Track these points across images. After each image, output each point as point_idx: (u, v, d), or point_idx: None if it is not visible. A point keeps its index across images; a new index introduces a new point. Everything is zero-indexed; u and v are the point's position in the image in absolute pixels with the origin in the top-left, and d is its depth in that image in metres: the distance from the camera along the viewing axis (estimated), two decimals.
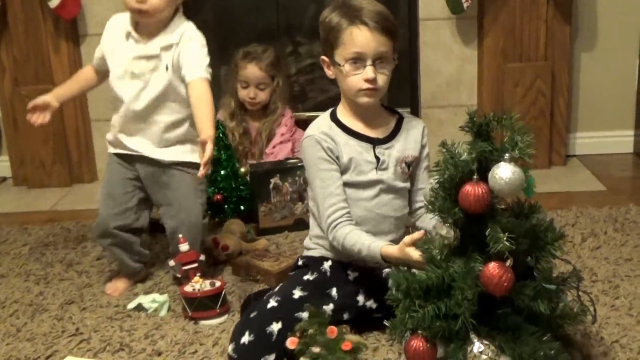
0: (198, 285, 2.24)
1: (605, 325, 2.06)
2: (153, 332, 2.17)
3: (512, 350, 1.68)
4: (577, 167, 3.53)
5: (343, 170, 2.06)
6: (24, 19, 3.41)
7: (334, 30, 2.01)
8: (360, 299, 2.07)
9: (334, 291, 2.06)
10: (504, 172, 1.63)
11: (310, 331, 1.88)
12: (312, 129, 2.09)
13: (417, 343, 1.72)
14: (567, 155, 3.60)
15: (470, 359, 1.67)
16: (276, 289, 2.08)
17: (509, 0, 3.35)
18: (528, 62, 3.41)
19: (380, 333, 2.05)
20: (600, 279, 2.35)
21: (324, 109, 3.33)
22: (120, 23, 2.37)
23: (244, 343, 1.91)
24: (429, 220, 1.88)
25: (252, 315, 1.98)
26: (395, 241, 1.94)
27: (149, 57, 2.32)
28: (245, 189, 2.89)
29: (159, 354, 2.06)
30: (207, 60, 2.30)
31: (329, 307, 2.02)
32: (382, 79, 2.01)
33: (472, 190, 1.65)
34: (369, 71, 1.99)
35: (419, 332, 1.71)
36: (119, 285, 2.45)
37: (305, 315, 1.94)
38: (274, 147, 3.10)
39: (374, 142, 2.08)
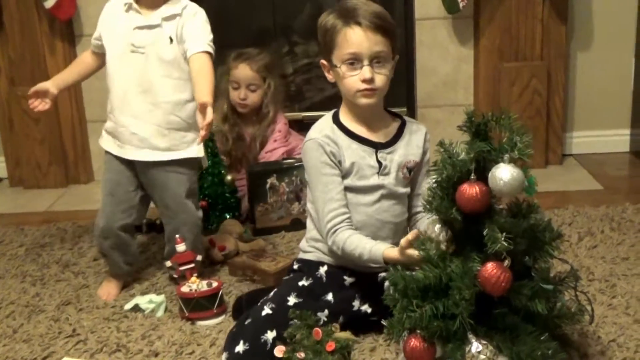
0: (195, 285, 2.24)
1: (603, 324, 2.06)
2: (150, 332, 2.16)
3: (510, 350, 1.68)
4: (573, 166, 3.53)
5: (345, 175, 2.04)
6: (20, 19, 3.40)
7: (330, 33, 2.00)
8: (356, 303, 2.07)
9: (329, 296, 2.04)
10: (504, 173, 1.63)
11: (298, 336, 1.88)
12: (314, 131, 2.07)
13: (415, 343, 1.71)
14: (564, 154, 3.61)
15: (469, 358, 1.67)
16: (271, 294, 2.07)
17: None
18: (524, 62, 3.41)
19: (377, 333, 2.04)
20: (597, 278, 2.35)
21: (320, 109, 3.37)
22: (119, 0, 2.33)
23: (238, 352, 1.90)
24: (426, 224, 1.87)
25: (246, 322, 1.97)
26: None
27: (150, 27, 2.27)
28: (231, 197, 2.88)
29: (156, 355, 2.05)
30: (210, 35, 2.27)
31: (324, 314, 2.01)
32: (380, 79, 1.99)
33: (469, 189, 1.65)
34: (365, 71, 1.97)
35: (417, 331, 1.71)
36: (111, 290, 2.43)
37: (295, 322, 1.93)
38: (266, 152, 3.07)
39: (377, 147, 2.06)
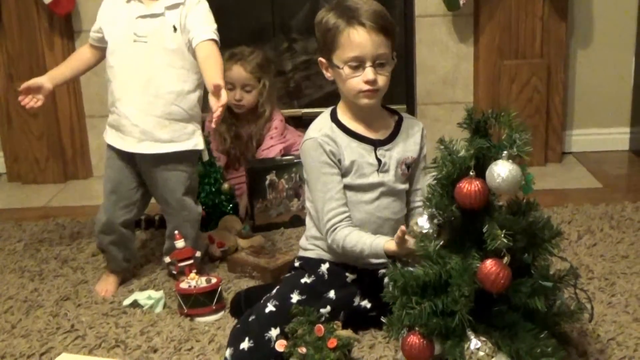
0: (194, 282, 2.24)
1: (602, 322, 2.06)
2: (149, 328, 2.16)
3: (509, 347, 1.68)
4: (572, 165, 3.53)
5: (344, 173, 2.04)
6: (18, 14, 3.39)
7: (331, 32, 1.98)
8: (356, 299, 2.07)
9: (331, 293, 2.04)
10: (502, 170, 1.63)
11: (299, 331, 1.88)
12: (313, 130, 2.06)
13: (414, 340, 1.71)
14: (563, 152, 3.61)
15: (468, 356, 1.67)
16: (274, 292, 2.06)
17: None
18: (524, 60, 3.41)
19: (376, 330, 2.04)
20: (596, 276, 2.35)
21: (319, 106, 3.37)
22: None
23: (243, 349, 1.90)
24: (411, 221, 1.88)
25: (250, 319, 1.97)
26: None
27: (153, 16, 2.26)
28: (228, 205, 2.88)
29: (155, 351, 2.05)
30: (215, 24, 2.27)
31: (326, 310, 2.01)
32: (382, 80, 1.99)
33: (467, 186, 1.65)
34: (369, 73, 1.96)
35: (416, 329, 1.71)
36: (109, 286, 2.43)
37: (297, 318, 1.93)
38: (263, 150, 3.06)
39: (375, 144, 2.06)
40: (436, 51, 3.46)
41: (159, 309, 2.28)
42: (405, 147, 2.09)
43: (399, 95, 3.46)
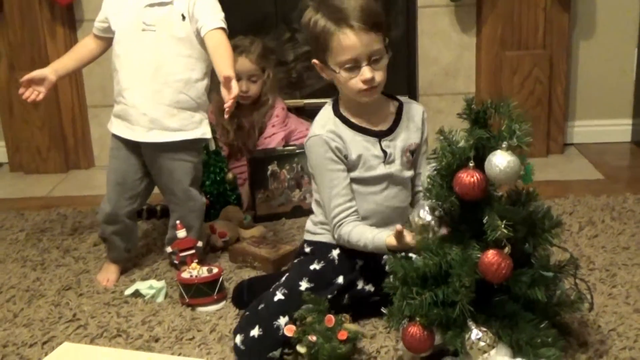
0: (195, 271, 2.24)
1: (603, 313, 2.07)
2: (150, 318, 2.17)
3: (510, 337, 1.69)
4: (574, 156, 3.53)
5: (352, 167, 2.04)
6: (20, 4, 3.39)
7: (321, 37, 1.97)
8: (360, 282, 2.07)
9: (340, 279, 2.05)
10: (500, 160, 1.63)
11: (309, 319, 1.89)
12: (317, 127, 2.06)
13: (415, 330, 1.72)
14: (565, 143, 3.60)
15: (468, 346, 1.67)
16: (283, 279, 2.07)
17: None
18: (526, 50, 3.40)
19: (377, 320, 2.05)
20: (597, 267, 2.35)
21: (321, 96, 3.37)
22: None
23: (253, 336, 1.91)
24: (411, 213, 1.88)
25: (259, 307, 1.98)
26: None
27: (161, 4, 2.25)
28: (232, 195, 2.88)
29: (156, 340, 2.06)
30: (222, 13, 2.27)
31: (332, 295, 2.01)
32: (379, 75, 1.98)
33: (466, 176, 1.66)
34: (365, 72, 1.95)
35: (417, 319, 1.72)
36: (110, 276, 2.43)
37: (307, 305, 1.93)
38: (265, 138, 3.07)
39: (379, 136, 2.06)
40: (438, 42, 3.45)
41: (160, 298, 2.29)
42: (408, 134, 2.09)
43: (400, 86, 3.46)
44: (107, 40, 2.37)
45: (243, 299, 2.20)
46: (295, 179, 2.92)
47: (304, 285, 2.01)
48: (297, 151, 2.90)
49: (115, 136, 2.37)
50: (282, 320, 1.92)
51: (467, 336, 1.68)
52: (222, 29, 2.24)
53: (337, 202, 2.02)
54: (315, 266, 2.06)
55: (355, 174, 2.05)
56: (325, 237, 2.11)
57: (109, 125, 2.39)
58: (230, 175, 2.87)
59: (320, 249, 2.10)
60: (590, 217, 2.74)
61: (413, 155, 2.10)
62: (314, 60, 2.05)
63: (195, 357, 1.98)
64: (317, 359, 1.83)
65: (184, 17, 2.25)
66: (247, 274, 2.42)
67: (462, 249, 1.70)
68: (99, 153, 3.57)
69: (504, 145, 1.64)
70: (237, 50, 2.96)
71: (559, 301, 1.80)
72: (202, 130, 2.34)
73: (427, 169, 2.00)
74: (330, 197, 2.03)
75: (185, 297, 2.22)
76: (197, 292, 2.21)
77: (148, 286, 2.30)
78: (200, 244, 2.38)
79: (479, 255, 1.67)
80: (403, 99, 2.16)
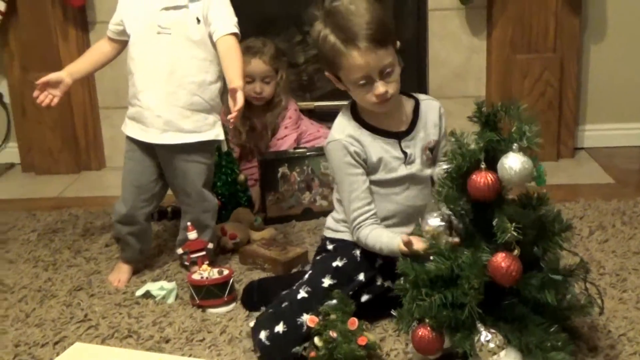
0: (206, 273, 2.25)
1: (613, 318, 2.06)
2: (161, 319, 2.18)
3: (519, 340, 1.69)
4: (585, 160, 3.52)
5: (372, 171, 2.05)
6: (33, 5, 3.41)
7: (332, 53, 1.97)
8: (379, 280, 2.08)
9: (361, 276, 2.06)
10: (513, 162, 1.63)
11: (332, 316, 1.89)
12: (337, 131, 2.06)
13: (424, 332, 1.72)
14: (575, 147, 3.59)
15: (477, 348, 1.68)
16: (306, 276, 2.08)
17: None
18: (537, 54, 3.39)
19: (387, 322, 2.05)
20: (607, 272, 2.35)
21: (332, 99, 3.38)
22: None
23: (277, 332, 1.93)
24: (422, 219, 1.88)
25: (283, 305, 1.99)
26: None
27: (176, 8, 2.27)
28: (244, 196, 2.89)
29: (167, 341, 2.07)
30: (235, 18, 2.29)
31: (352, 290, 2.02)
32: (392, 87, 1.98)
33: (479, 178, 1.66)
34: (378, 87, 1.96)
35: (426, 321, 1.72)
36: (122, 276, 2.44)
37: (334, 302, 1.94)
38: (277, 139, 3.08)
39: (399, 137, 2.07)
40: (449, 44, 3.46)
41: (171, 299, 2.30)
42: (427, 132, 2.10)
43: (411, 88, 3.41)
44: (121, 43, 2.39)
45: (253, 300, 2.21)
46: (306, 182, 2.92)
47: (326, 282, 2.02)
48: (308, 153, 2.91)
49: (129, 138, 2.39)
50: (306, 317, 1.93)
51: (476, 338, 1.69)
52: (235, 34, 2.26)
53: (356, 206, 2.03)
54: (337, 263, 2.07)
55: (376, 176, 2.06)
56: (347, 235, 2.12)
57: (123, 127, 2.41)
58: (241, 177, 2.88)
59: (343, 247, 2.11)
60: (601, 221, 2.73)
61: (432, 153, 2.11)
62: (327, 74, 2.06)
63: (206, 358, 1.99)
64: (332, 355, 1.84)
65: (198, 20, 2.27)
66: (257, 275, 2.43)
67: (472, 252, 1.70)
68: (110, 154, 3.59)
69: (514, 147, 1.64)
70: (250, 51, 2.98)
71: (569, 305, 1.80)
72: (215, 131, 2.36)
73: (437, 171, 2.02)
74: (349, 200, 2.04)
75: (196, 298, 2.23)
76: (208, 294, 2.21)
77: (159, 287, 2.32)
78: (211, 245, 2.39)
79: (488, 258, 1.67)
80: (419, 96, 2.16)
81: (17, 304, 2.32)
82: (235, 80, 2.16)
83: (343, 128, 2.06)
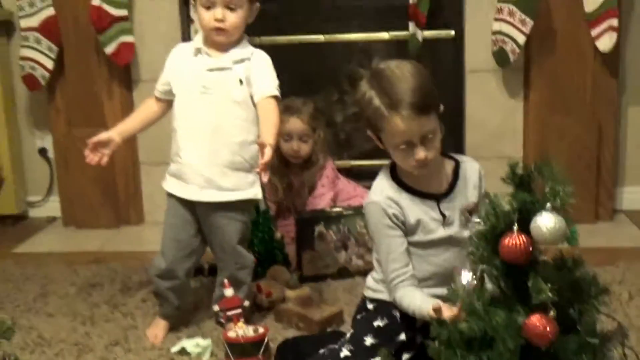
0: (241, 331, 2.25)
1: None
2: None
3: None
4: (624, 223, 3.48)
5: (410, 232, 2.05)
6: (79, 62, 3.50)
7: (375, 115, 1.99)
8: (419, 338, 2.07)
9: (402, 336, 2.06)
10: (547, 221, 1.62)
11: None
12: (375, 194, 2.08)
13: None
14: (614, 209, 3.56)
15: None
16: (348, 335, 2.09)
17: (555, 52, 3.35)
18: (574, 115, 3.39)
19: None
20: None
21: (369, 158, 3.40)
22: (186, 46, 2.44)
23: None
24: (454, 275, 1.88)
25: None
26: None
27: (221, 69, 2.33)
28: (280, 254, 2.91)
29: None
30: (277, 80, 2.35)
31: (394, 349, 2.02)
32: (432, 153, 2.00)
33: (511, 240, 1.66)
34: (419, 153, 1.98)
35: None
36: (159, 332, 2.45)
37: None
38: (314, 198, 3.10)
39: (438, 198, 2.07)
40: (486, 105, 3.47)
41: (206, 356, 2.30)
42: (466, 194, 2.10)
43: (448, 148, 3.44)
44: (168, 103, 2.45)
45: (287, 359, 2.20)
46: (342, 241, 2.93)
47: (368, 341, 2.03)
48: (345, 213, 2.92)
49: (170, 194, 2.43)
50: None
51: None
52: (275, 97, 2.32)
53: (394, 267, 2.04)
54: (379, 323, 2.07)
55: (414, 238, 2.06)
56: (386, 295, 2.12)
57: (163, 183, 2.45)
58: (278, 235, 2.91)
59: (382, 307, 2.11)
60: None
61: (471, 215, 2.10)
62: (369, 133, 2.08)
63: None
64: None
65: (241, 82, 2.33)
66: (292, 334, 2.42)
67: (507, 313, 1.69)
68: (149, 209, 3.63)
69: (548, 207, 1.64)
70: (289, 111, 3.04)
71: None
72: (254, 190, 2.39)
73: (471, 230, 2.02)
74: (387, 261, 2.05)
75: (231, 356, 2.23)
76: (243, 352, 2.21)
77: (194, 344, 2.32)
78: (247, 303, 2.39)
79: (523, 319, 1.66)
80: (459, 157, 2.17)
81: (54, 357, 2.34)
82: (266, 137, 2.19)
83: (382, 189, 2.08)
